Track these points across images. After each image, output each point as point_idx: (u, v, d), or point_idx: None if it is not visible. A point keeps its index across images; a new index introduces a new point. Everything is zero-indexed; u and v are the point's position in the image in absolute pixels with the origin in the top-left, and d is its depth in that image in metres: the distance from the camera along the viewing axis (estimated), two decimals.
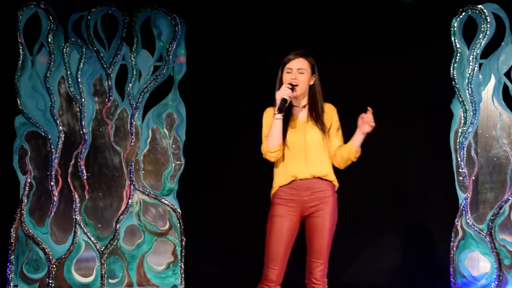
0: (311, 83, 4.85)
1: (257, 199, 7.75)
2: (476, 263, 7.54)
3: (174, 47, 7.83)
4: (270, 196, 4.91)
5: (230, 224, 8.23)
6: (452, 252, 7.44)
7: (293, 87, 4.72)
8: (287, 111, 4.76)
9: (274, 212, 4.80)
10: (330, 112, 4.90)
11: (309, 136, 4.78)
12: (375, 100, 7.93)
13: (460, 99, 7.40)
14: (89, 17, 7.69)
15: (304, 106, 4.86)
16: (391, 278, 8.21)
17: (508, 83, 7.31)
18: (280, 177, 4.83)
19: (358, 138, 4.82)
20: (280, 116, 4.68)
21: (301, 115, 4.86)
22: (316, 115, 4.81)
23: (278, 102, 4.69)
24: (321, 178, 4.79)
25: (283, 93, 4.67)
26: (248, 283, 7.01)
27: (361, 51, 8.23)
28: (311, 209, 4.79)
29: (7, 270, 7.60)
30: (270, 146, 4.75)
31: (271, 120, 4.78)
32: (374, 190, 8.31)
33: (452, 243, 7.44)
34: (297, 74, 4.80)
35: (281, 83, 4.85)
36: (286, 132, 4.78)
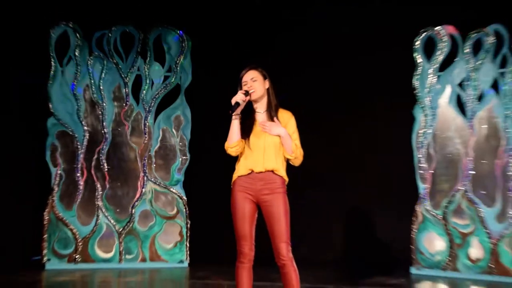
0: (267, 86, 4.93)
1: None
2: (433, 242, 7.76)
3: (181, 59, 8.15)
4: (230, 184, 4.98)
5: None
6: (413, 233, 7.76)
7: (247, 93, 4.83)
8: (252, 116, 4.91)
9: (236, 199, 4.88)
10: (287, 117, 4.98)
11: (269, 137, 4.86)
12: (353, 106, 8.46)
13: (421, 106, 7.75)
14: (110, 35, 8.07)
15: (264, 112, 4.95)
16: (361, 254, 8.50)
17: (461, 92, 7.59)
18: (241, 169, 4.91)
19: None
20: (235, 117, 4.83)
21: (262, 119, 4.95)
22: (272, 119, 4.90)
23: (233, 102, 4.82)
24: (273, 173, 4.86)
25: (236, 97, 4.80)
26: None
27: (342, 65, 8.39)
28: (264, 197, 4.85)
29: (42, 247, 7.89)
30: (230, 142, 4.86)
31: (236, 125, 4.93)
32: (349, 179, 8.51)
33: (413, 226, 7.76)
34: (251, 82, 4.89)
35: None
36: (250, 134, 4.88)
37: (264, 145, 4.85)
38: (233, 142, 4.83)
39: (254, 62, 5.01)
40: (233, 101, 4.77)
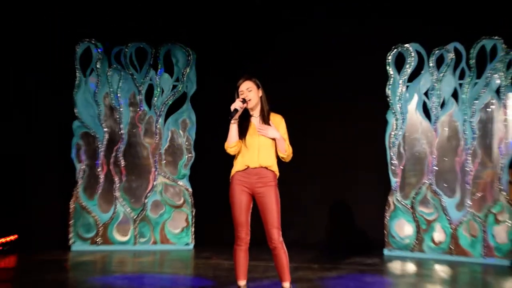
0: (260, 95, 5.13)
1: None
2: (402, 227, 8.15)
3: (187, 71, 8.44)
4: (229, 178, 5.16)
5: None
6: (386, 219, 8.14)
7: (244, 101, 5.03)
8: (248, 119, 5.08)
9: (234, 191, 5.07)
10: (278, 120, 5.18)
11: (262, 139, 5.07)
12: (336, 111, 8.81)
13: (393, 111, 8.09)
14: (126, 50, 8.37)
15: (258, 116, 5.15)
16: (342, 238, 8.80)
17: (426, 100, 7.96)
18: (238, 165, 5.09)
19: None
20: (233, 121, 5.01)
21: (257, 122, 5.14)
22: (265, 122, 5.10)
23: (232, 109, 5.00)
24: (266, 168, 5.07)
25: (235, 104, 4.99)
26: None
27: (325, 76, 8.71)
28: (258, 190, 5.04)
29: (68, 231, 8.27)
30: (229, 143, 5.05)
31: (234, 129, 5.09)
32: (332, 174, 8.81)
33: (385, 213, 8.14)
34: (247, 92, 5.07)
35: None
36: (246, 135, 5.07)
37: (258, 145, 5.06)
38: (232, 143, 5.03)
39: (249, 71, 5.33)
40: (232, 108, 4.98)
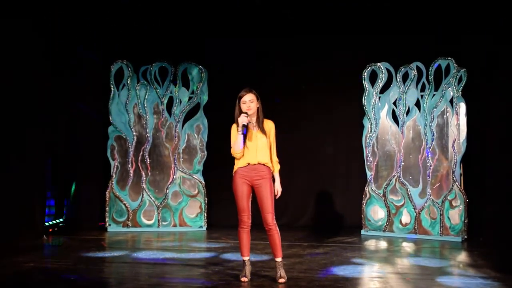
0: (258, 105, 5.10)
1: None
2: (376, 212, 8.33)
3: (200, 86, 8.55)
4: (232, 173, 5.15)
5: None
6: (363, 206, 8.28)
7: (247, 114, 5.01)
8: (247, 125, 5.02)
9: (236, 183, 5.06)
10: (270, 126, 5.18)
11: (259, 141, 5.08)
12: (323, 118, 8.89)
13: (368, 117, 8.23)
14: (151, 68, 8.49)
15: (255, 122, 5.13)
16: (326, 221, 8.89)
17: (395, 108, 8.11)
18: (240, 162, 5.08)
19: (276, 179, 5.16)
20: (241, 133, 4.98)
21: (255, 128, 5.12)
22: (261, 129, 5.10)
23: (240, 126, 4.96)
24: (263, 165, 5.08)
25: (243, 120, 4.95)
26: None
27: (313, 89, 8.87)
28: (257, 182, 5.05)
29: (105, 216, 8.43)
30: (237, 150, 5.03)
31: (235, 132, 5.06)
32: (319, 170, 8.94)
33: (362, 201, 8.28)
34: (250, 103, 5.03)
35: (239, 110, 5.06)
36: (246, 139, 5.05)
37: (256, 146, 5.08)
38: (239, 149, 5.04)
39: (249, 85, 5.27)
40: (240, 123, 4.96)
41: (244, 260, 5.22)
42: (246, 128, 5.00)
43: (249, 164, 5.08)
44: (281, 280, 5.09)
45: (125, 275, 5.52)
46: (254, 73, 8.91)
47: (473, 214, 7.82)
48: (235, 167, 5.13)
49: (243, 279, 5.17)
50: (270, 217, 5.04)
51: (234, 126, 5.12)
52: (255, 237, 5.82)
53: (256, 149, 5.10)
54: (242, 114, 5.04)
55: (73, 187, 8.57)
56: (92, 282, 5.20)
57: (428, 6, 8.19)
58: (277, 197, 5.17)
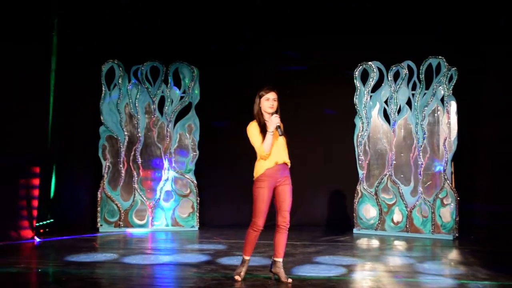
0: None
1: (241, 176, 8.76)
2: (368, 211, 8.33)
3: (192, 85, 8.53)
4: (255, 174, 4.95)
5: (226, 190, 8.90)
6: (355, 204, 8.29)
7: (277, 114, 4.91)
8: (279, 127, 4.91)
9: (264, 187, 4.89)
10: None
11: (282, 140, 5.00)
12: (316, 118, 8.80)
13: (360, 116, 8.26)
14: (142, 68, 8.46)
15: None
16: (318, 220, 8.93)
17: (386, 107, 8.13)
18: (267, 163, 4.91)
19: None
20: (271, 133, 4.86)
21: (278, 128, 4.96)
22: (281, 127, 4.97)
23: (274, 126, 4.83)
24: (286, 164, 5.03)
25: (277, 122, 4.85)
26: (238, 225, 8.01)
27: (305, 88, 8.79)
28: (280, 181, 4.96)
29: (96, 216, 8.36)
30: (267, 150, 4.87)
31: (258, 130, 4.90)
32: (312, 168, 8.86)
33: (354, 199, 8.30)
34: (273, 102, 4.95)
35: (259, 107, 4.96)
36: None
37: (281, 145, 4.99)
38: (269, 150, 4.89)
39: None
40: (274, 123, 4.84)
41: (245, 259, 5.15)
42: (279, 128, 4.91)
43: (276, 163, 4.98)
44: (290, 280, 5.07)
45: (117, 276, 5.50)
46: (245, 73, 8.93)
47: (464, 212, 7.84)
48: (261, 169, 4.94)
49: (237, 277, 5.13)
50: (288, 216, 5.02)
51: (254, 124, 4.98)
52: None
53: (281, 148, 5.04)
54: (274, 115, 4.92)
55: (52, 186, 8.44)
56: (84, 283, 5.18)
57: (419, 6, 8.24)
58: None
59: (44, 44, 7.88)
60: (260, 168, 4.94)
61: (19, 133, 7.40)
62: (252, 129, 4.97)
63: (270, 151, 4.92)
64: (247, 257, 5.14)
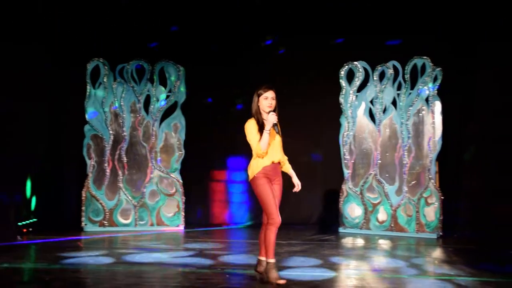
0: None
1: (227, 176, 8.92)
2: (353, 210, 8.36)
3: (178, 84, 8.51)
4: (251, 173, 4.89)
5: (212, 189, 9.07)
6: (340, 204, 8.34)
7: (274, 112, 4.87)
8: (276, 124, 4.92)
9: (264, 183, 4.83)
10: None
11: (278, 139, 4.98)
12: (302, 117, 8.90)
13: (345, 116, 8.30)
14: (128, 67, 8.43)
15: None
16: (304, 219, 9.04)
17: (371, 107, 8.17)
18: (265, 161, 4.88)
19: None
20: (267, 132, 4.81)
21: (275, 126, 4.96)
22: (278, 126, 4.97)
23: (271, 123, 4.79)
24: (279, 163, 5.01)
25: (274, 119, 4.81)
26: (223, 225, 8.24)
27: (291, 89, 8.68)
28: (274, 180, 4.94)
29: (81, 215, 8.32)
30: (264, 149, 4.83)
31: (256, 128, 4.86)
32: (298, 167, 8.23)
33: (340, 199, 8.34)
34: (271, 100, 4.89)
35: (257, 106, 4.91)
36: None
37: (277, 144, 4.96)
38: (266, 149, 4.85)
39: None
40: (271, 121, 4.80)
41: (271, 263, 4.93)
42: (276, 126, 4.90)
43: (273, 162, 4.96)
44: (279, 280, 4.95)
45: (101, 275, 5.47)
46: (232, 72, 8.95)
47: (448, 211, 7.89)
48: (258, 167, 4.90)
49: (281, 281, 4.92)
50: (279, 214, 4.94)
51: (253, 122, 4.93)
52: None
53: (277, 147, 5.01)
54: (272, 113, 4.89)
55: (28, 186, 8.36)
56: (68, 283, 5.14)
57: (404, 7, 8.32)
58: (298, 190, 5.09)
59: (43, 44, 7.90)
60: (257, 166, 4.91)
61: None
62: (251, 126, 4.93)
63: (267, 150, 4.88)
64: (273, 260, 4.94)
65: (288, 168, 5.15)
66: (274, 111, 4.94)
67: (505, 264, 6.09)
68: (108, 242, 7.56)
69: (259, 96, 4.94)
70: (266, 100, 4.91)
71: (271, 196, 4.85)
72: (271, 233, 4.85)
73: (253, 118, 4.95)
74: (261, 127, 4.90)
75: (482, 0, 8.09)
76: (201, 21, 8.82)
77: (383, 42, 8.38)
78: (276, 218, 4.85)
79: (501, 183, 7.88)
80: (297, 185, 5.09)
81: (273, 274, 4.89)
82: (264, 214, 5.03)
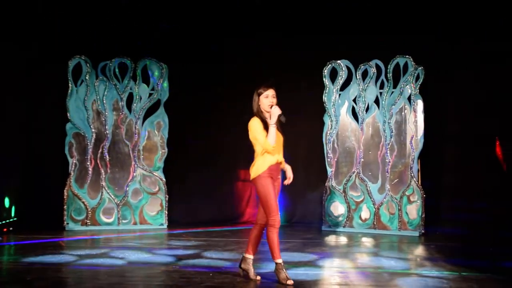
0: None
1: (210, 174, 8.89)
2: (337, 208, 8.41)
3: (161, 82, 8.51)
4: (256, 171, 4.81)
5: (195, 188, 8.96)
6: (323, 202, 8.39)
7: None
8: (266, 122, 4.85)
9: (269, 183, 4.79)
10: None
11: (280, 138, 4.97)
12: (285, 115, 8.91)
13: (328, 114, 8.33)
14: (110, 64, 8.38)
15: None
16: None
17: (354, 105, 8.22)
18: (271, 159, 4.84)
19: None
20: (274, 126, 4.80)
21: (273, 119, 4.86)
22: (279, 124, 4.95)
23: (276, 116, 4.76)
24: (280, 163, 5.00)
25: (278, 111, 4.79)
26: (207, 223, 8.18)
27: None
28: (277, 180, 4.92)
29: (63, 214, 8.25)
30: (272, 143, 4.78)
31: (261, 125, 4.82)
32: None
33: (323, 197, 8.39)
34: (272, 98, 4.87)
35: (258, 105, 4.88)
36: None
37: (280, 142, 4.95)
38: (274, 143, 4.81)
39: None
40: (276, 114, 4.78)
41: (279, 263, 4.90)
42: (282, 115, 4.84)
43: (277, 161, 4.93)
44: (259, 277, 5.02)
45: (83, 274, 5.44)
46: (215, 71, 8.94)
47: (430, 209, 7.96)
48: (264, 166, 4.84)
49: (289, 281, 4.88)
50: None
51: (257, 120, 4.88)
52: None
53: (280, 145, 4.99)
54: (274, 106, 4.85)
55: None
56: (50, 282, 5.09)
57: (387, 6, 8.35)
58: (288, 183, 5.08)
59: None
60: (263, 165, 4.84)
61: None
62: (256, 124, 4.87)
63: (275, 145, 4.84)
64: (280, 260, 4.92)
65: (284, 165, 5.13)
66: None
67: (486, 260, 6.17)
68: (91, 241, 7.50)
69: (259, 95, 4.91)
70: (267, 99, 4.88)
71: (274, 197, 4.82)
72: (273, 234, 4.83)
73: (255, 116, 4.91)
74: (264, 126, 4.86)
75: None
76: (184, 19, 8.79)
77: (366, 41, 8.39)
78: (277, 219, 4.83)
79: (481, 181, 7.97)
80: (289, 178, 5.06)
81: (282, 275, 4.88)
82: (258, 213, 5.04)
